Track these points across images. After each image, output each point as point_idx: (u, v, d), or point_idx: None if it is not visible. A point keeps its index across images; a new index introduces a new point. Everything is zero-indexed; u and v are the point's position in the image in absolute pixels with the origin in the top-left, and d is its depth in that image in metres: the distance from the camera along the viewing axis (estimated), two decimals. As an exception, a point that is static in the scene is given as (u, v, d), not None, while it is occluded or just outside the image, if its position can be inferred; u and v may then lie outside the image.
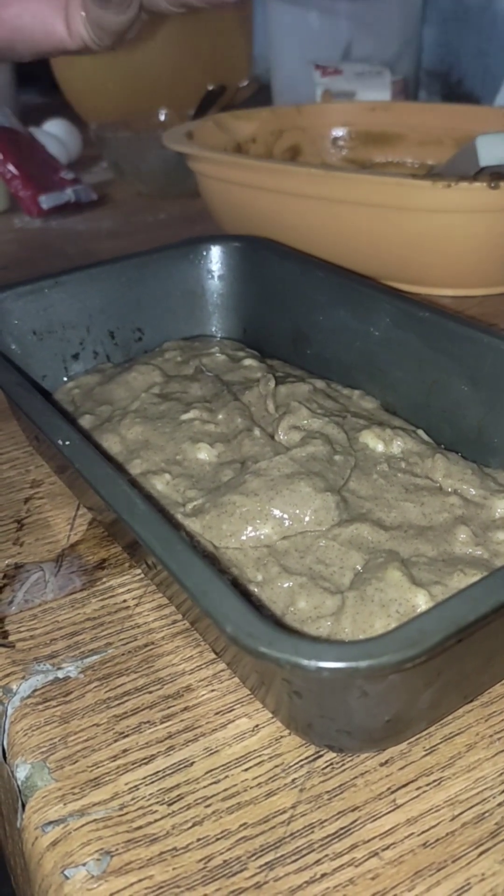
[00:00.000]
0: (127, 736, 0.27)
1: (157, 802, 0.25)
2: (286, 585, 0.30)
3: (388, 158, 0.80)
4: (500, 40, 1.06)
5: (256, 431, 0.37)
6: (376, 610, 0.28)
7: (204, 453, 0.37)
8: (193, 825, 0.25)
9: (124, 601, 0.33)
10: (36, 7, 0.45)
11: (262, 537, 0.32)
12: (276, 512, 0.32)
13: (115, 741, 0.27)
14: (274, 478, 0.33)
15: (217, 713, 0.28)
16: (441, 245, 0.53)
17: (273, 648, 0.21)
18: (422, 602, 0.28)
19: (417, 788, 0.25)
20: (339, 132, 0.81)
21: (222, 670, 0.30)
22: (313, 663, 0.20)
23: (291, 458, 0.34)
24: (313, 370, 0.45)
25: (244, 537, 0.32)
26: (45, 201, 0.82)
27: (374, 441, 0.37)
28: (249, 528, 0.32)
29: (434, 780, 0.26)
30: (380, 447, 0.36)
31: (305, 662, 0.20)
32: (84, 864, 0.24)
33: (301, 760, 0.26)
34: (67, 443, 0.30)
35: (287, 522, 0.32)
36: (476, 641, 0.23)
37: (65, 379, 0.46)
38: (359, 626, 0.28)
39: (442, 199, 0.51)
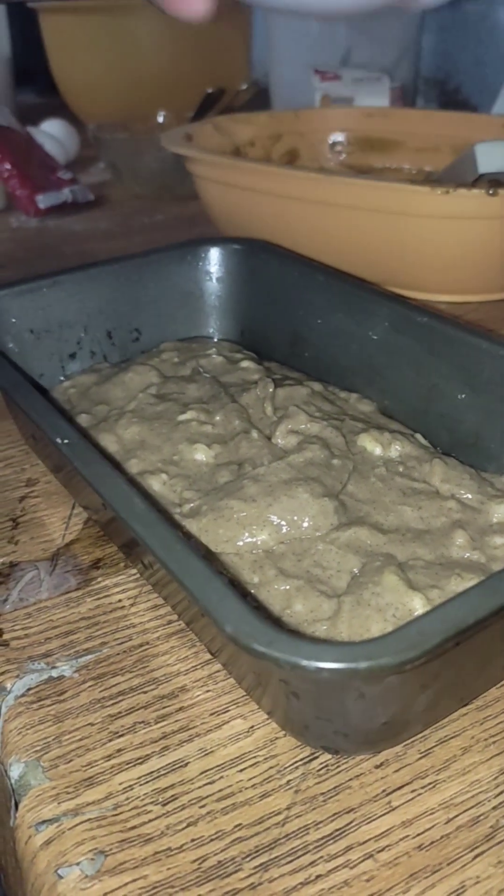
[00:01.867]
0: (121, 736, 0.27)
1: (151, 802, 0.25)
2: (283, 588, 0.30)
3: (386, 164, 0.80)
4: (498, 49, 1.06)
5: (254, 433, 0.37)
6: (373, 614, 0.28)
7: (201, 454, 0.37)
8: (188, 825, 0.24)
9: (119, 601, 0.33)
10: None
11: (259, 543, 0.32)
12: (274, 518, 0.32)
13: (110, 741, 0.27)
14: (272, 483, 0.33)
15: (212, 714, 0.28)
16: (439, 251, 0.53)
17: (273, 648, 0.21)
18: (418, 606, 0.28)
19: (412, 791, 0.25)
20: (337, 137, 0.81)
21: (217, 671, 0.29)
22: (313, 664, 0.20)
23: (289, 463, 0.34)
24: (310, 373, 0.45)
25: (241, 543, 0.32)
26: (43, 201, 0.82)
27: (372, 444, 0.37)
28: (246, 534, 0.32)
29: (429, 783, 0.26)
30: (378, 450, 0.36)
31: (305, 663, 0.20)
32: (78, 864, 0.23)
33: (296, 762, 0.26)
34: (66, 441, 0.30)
35: (285, 529, 0.32)
36: (473, 645, 0.23)
37: (61, 378, 0.45)
38: (355, 629, 0.28)
39: (440, 206, 0.51)
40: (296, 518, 0.32)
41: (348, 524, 0.32)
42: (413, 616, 0.28)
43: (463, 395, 0.37)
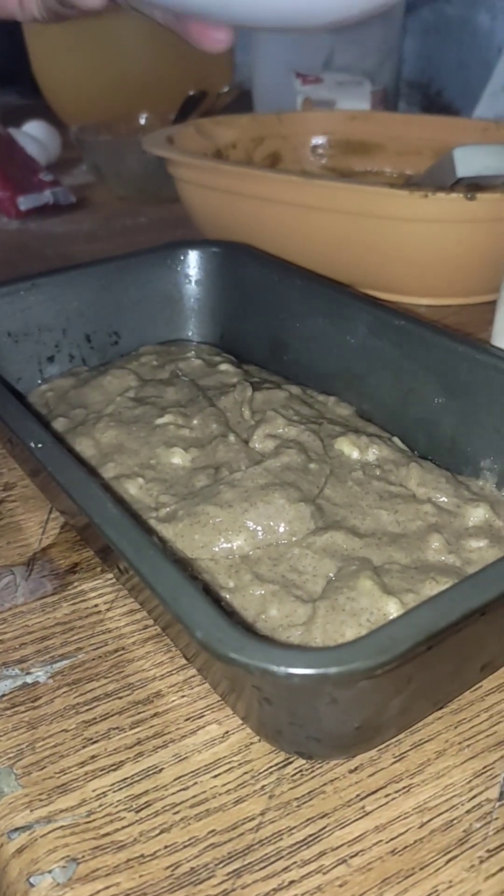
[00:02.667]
0: (95, 742, 0.27)
1: (124, 809, 0.25)
2: (258, 593, 0.30)
3: (368, 167, 0.80)
4: (480, 53, 1.07)
5: (231, 437, 0.37)
6: (347, 619, 0.28)
7: (178, 458, 0.36)
8: (161, 832, 0.24)
9: (95, 606, 0.33)
10: None
11: (235, 548, 0.32)
12: (250, 524, 0.32)
13: (84, 747, 0.27)
14: (248, 489, 0.33)
15: (187, 719, 0.28)
16: (418, 254, 0.54)
17: (243, 654, 0.21)
18: (393, 610, 0.28)
19: (386, 795, 0.25)
20: (318, 140, 0.81)
21: (193, 676, 0.29)
22: (283, 669, 0.20)
23: (266, 468, 0.34)
24: (289, 376, 0.45)
25: (216, 549, 0.32)
26: (24, 203, 0.81)
27: (349, 448, 0.37)
28: (222, 540, 0.32)
29: (403, 788, 0.26)
30: (355, 454, 0.37)
31: (275, 669, 0.20)
32: (50, 872, 0.23)
33: (270, 767, 0.26)
34: (40, 445, 0.30)
35: (261, 534, 0.32)
36: (446, 649, 0.23)
37: (39, 381, 0.45)
38: (329, 635, 0.28)
39: (419, 209, 0.51)
40: (272, 523, 0.32)
41: (325, 528, 0.32)
42: (388, 620, 0.27)
43: (440, 399, 0.37)
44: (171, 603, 0.22)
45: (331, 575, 0.30)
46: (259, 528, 0.32)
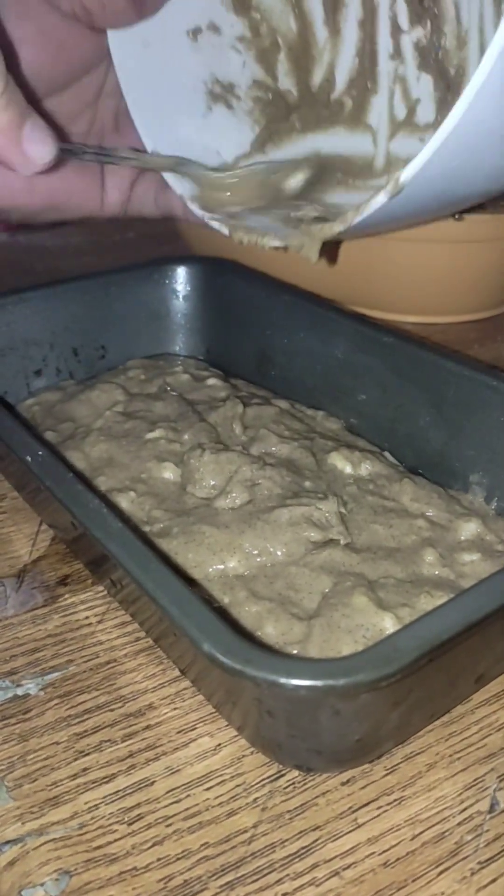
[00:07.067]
0: (87, 754, 0.27)
1: (117, 822, 0.25)
2: (254, 610, 0.30)
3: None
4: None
5: (222, 452, 0.37)
6: (343, 636, 0.28)
7: (169, 473, 0.37)
8: (154, 845, 0.24)
9: (86, 618, 0.33)
10: (74, 180, 0.41)
11: (229, 569, 0.32)
12: (247, 546, 0.32)
13: (76, 759, 0.27)
14: (245, 510, 0.33)
15: (179, 732, 0.28)
16: (407, 273, 0.54)
17: (250, 666, 0.21)
18: (389, 625, 0.28)
19: (378, 808, 0.25)
20: (305, 159, 0.82)
21: (185, 688, 0.29)
22: (290, 681, 0.20)
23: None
24: (276, 391, 0.45)
25: (211, 570, 0.32)
26: (11, 217, 0.81)
27: (342, 463, 0.37)
28: (216, 560, 0.32)
29: (395, 800, 0.26)
30: (348, 469, 0.37)
31: (283, 680, 0.20)
32: (42, 885, 0.23)
33: (263, 779, 0.26)
34: (38, 456, 0.30)
35: (259, 558, 0.32)
36: (444, 661, 0.24)
37: (26, 395, 0.45)
38: (326, 653, 0.28)
39: (408, 230, 0.51)
40: (268, 545, 0.32)
41: (323, 545, 0.32)
42: (384, 635, 0.28)
43: (428, 415, 0.38)
44: (175, 616, 0.22)
45: (326, 591, 0.30)
46: (255, 550, 0.32)
